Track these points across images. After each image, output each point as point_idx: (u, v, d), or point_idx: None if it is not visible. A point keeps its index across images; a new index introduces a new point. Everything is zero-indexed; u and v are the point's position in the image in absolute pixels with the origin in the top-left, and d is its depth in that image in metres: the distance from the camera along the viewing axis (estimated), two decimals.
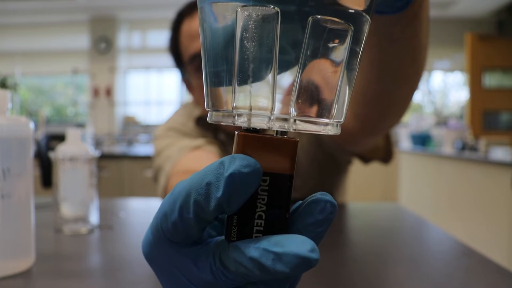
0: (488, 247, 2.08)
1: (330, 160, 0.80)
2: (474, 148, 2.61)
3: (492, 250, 2.04)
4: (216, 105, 0.20)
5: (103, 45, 4.34)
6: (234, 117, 0.19)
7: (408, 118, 3.58)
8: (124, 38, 4.45)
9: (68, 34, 4.47)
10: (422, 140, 3.12)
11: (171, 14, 0.90)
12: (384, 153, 0.76)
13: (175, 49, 0.84)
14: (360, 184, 3.27)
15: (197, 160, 0.70)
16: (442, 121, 3.58)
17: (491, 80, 3.99)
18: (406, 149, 3.23)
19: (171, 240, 0.20)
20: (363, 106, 0.56)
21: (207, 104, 0.20)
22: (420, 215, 0.76)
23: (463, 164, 2.38)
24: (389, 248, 0.56)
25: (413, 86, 0.50)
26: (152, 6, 4.10)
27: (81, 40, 4.41)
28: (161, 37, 4.21)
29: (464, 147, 2.66)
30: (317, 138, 0.77)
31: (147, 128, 4.25)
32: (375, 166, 2.97)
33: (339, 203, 0.85)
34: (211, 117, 0.20)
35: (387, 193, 3.45)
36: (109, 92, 4.31)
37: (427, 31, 0.42)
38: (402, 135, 3.49)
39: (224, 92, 0.19)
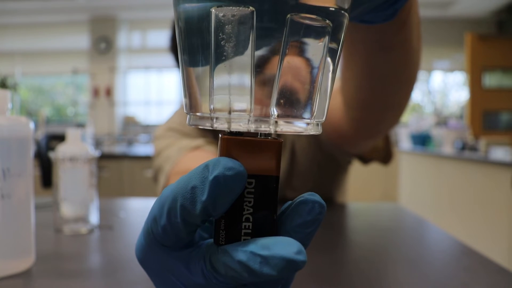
0: (488, 247, 2.08)
1: (330, 160, 0.80)
2: (474, 148, 2.61)
3: (492, 250, 2.04)
4: (194, 108, 0.19)
5: (103, 45, 4.34)
6: (212, 120, 0.18)
7: (408, 118, 3.58)
8: (124, 38, 4.45)
9: (68, 34, 4.47)
10: (422, 140, 3.12)
11: (171, 14, 0.90)
12: (384, 153, 0.76)
13: (176, 48, 0.84)
14: (360, 184, 3.27)
15: (196, 160, 0.70)
16: (442, 121, 3.58)
17: (491, 80, 3.99)
18: (406, 149, 3.23)
19: (162, 244, 0.20)
20: (359, 111, 0.56)
21: (185, 106, 0.20)
22: (420, 215, 0.76)
23: (463, 164, 2.37)
24: (389, 248, 0.56)
25: (408, 90, 0.50)
26: (152, 6, 4.10)
27: (81, 40, 4.41)
28: (161, 37, 4.21)
29: (464, 147, 2.66)
30: (316, 139, 0.77)
31: (147, 128, 4.25)
32: (375, 166, 2.97)
33: (339, 203, 0.85)
34: (189, 120, 0.20)
35: (387, 193, 3.45)
36: (109, 92, 4.31)
37: (418, 35, 0.42)
38: (402, 135, 3.49)
39: (201, 94, 0.19)
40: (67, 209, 0.59)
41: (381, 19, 0.30)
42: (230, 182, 0.17)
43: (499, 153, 2.18)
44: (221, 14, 0.17)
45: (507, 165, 1.95)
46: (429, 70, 4.43)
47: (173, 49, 0.86)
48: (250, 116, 0.18)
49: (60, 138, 2.40)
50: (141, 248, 0.21)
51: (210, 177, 0.17)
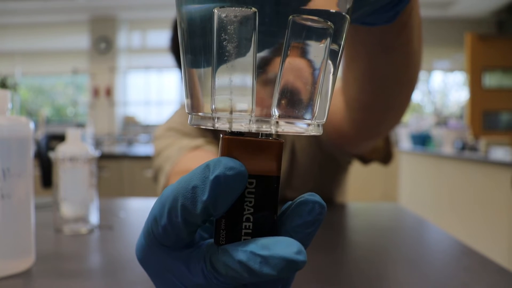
0: (488, 247, 2.08)
1: (330, 160, 0.80)
2: (474, 148, 2.61)
3: (492, 250, 2.04)
4: (196, 108, 0.19)
5: (103, 45, 4.34)
6: (214, 119, 0.18)
7: (408, 118, 3.58)
8: (124, 38, 4.45)
9: (68, 34, 4.47)
10: (422, 140, 3.12)
11: (171, 14, 0.90)
12: (384, 154, 0.77)
13: (177, 48, 0.84)
14: (360, 184, 3.27)
15: (196, 160, 0.70)
16: (442, 121, 3.58)
17: (491, 80, 3.99)
18: (406, 149, 3.23)
19: (162, 244, 0.20)
20: (360, 112, 0.56)
21: (187, 107, 0.20)
22: (420, 215, 0.76)
23: (463, 164, 2.37)
24: (389, 248, 0.56)
25: (409, 92, 0.50)
26: (152, 6, 4.10)
27: (81, 40, 4.41)
28: (161, 37, 4.21)
29: (464, 147, 2.66)
30: (316, 139, 0.77)
31: (147, 128, 4.25)
32: (375, 166, 2.97)
33: (339, 203, 0.85)
34: (191, 120, 0.20)
35: (387, 193, 3.45)
36: (109, 92, 4.31)
37: (419, 36, 0.42)
38: (402, 135, 3.49)
39: (203, 94, 0.19)
40: (67, 209, 0.59)
41: (382, 21, 0.30)
42: (231, 182, 0.17)
43: (499, 153, 2.18)
44: (223, 15, 0.17)
45: (507, 165, 1.95)
46: (429, 70, 4.43)
47: (173, 49, 0.86)
48: (251, 116, 0.18)
49: (60, 138, 2.40)
50: (141, 248, 0.21)
51: (211, 177, 0.17)
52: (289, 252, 0.17)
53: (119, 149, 3.53)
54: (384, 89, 0.49)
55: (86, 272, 0.43)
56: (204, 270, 0.19)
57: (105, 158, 2.96)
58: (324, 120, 0.20)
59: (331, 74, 0.19)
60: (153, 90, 4.46)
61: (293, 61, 0.17)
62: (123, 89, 4.47)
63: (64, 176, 0.58)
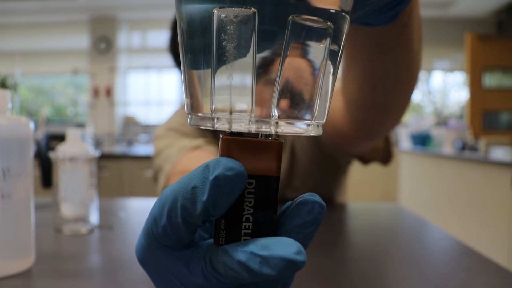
0: (488, 247, 2.08)
1: (330, 160, 0.80)
2: (474, 148, 2.62)
3: (492, 250, 2.04)
4: (195, 108, 0.19)
5: (103, 45, 4.34)
6: (213, 120, 0.18)
7: (408, 118, 3.58)
8: (124, 38, 4.45)
9: (68, 34, 4.47)
10: (422, 140, 3.12)
11: (171, 14, 0.90)
12: (384, 154, 0.77)
13: (175, 49, 0.85)
14: (360, 184, 3.27)
15: (196, 160, 0.70)
16: (442, 121, 3.58)
17: (491, 80, 3.99)
18: (406, 149, 3.23)
19: (162, 244, 0.20)
20: (360, 112, 0.56)
21: (187, 107, 0.20)
22: (420, 215, 0.76)
23: (463, 164, 2.37)
24: (389, 248, 0.56)
25: (409, 92, 0.50)
26: (152, 6, 4.10)
27: (81, 40, 4.41)
28: (161, 37, 4.21)
29: (464, 147, 2.66)
30: (316, 139, 0.77)
31: (147, 128, 4.25)
32: (375, 166, 2.96)
33: (339, 203, 0.85)
34: (191, 121, 0.20)
35: (387, 193, 3.45)
36: (109, 92, 4.31)
37: (419, 37, 0.42)
38: (402, 135, 3.49)
39: (203, 95, 0.19)
40: (67, 209, 0.59)
41: (382, 21, 0.30)
42: (230, 183, 0.17)
43: (499, 153, 2.18)
44: (223, 15, 0.17)
45: (507, 165, 1.95)
46: (429, 70, 4.43)
47: (172, 50, 0.86)
48: (251, 117, 0.18)
49: (60, 138, 2.40)
50: (141, 248, 0.21)
51: (211, 177, 0.17)
52: (288, 252, 0.17)
53: (119, 149, 3.53)
54: (384, 89, 0.49)
55: (86, 272, 0.43)
56: (204, 270, 0.19)
57: (105, 158, 2.96)
58: (324, 120, 0.20)
59: (331, 74, 0.19)
60: (153, 90, 4.46)
61: (293, 62, 0.17)
62: (123, 89, 4.47)
63: (64, 176, 0.58)
